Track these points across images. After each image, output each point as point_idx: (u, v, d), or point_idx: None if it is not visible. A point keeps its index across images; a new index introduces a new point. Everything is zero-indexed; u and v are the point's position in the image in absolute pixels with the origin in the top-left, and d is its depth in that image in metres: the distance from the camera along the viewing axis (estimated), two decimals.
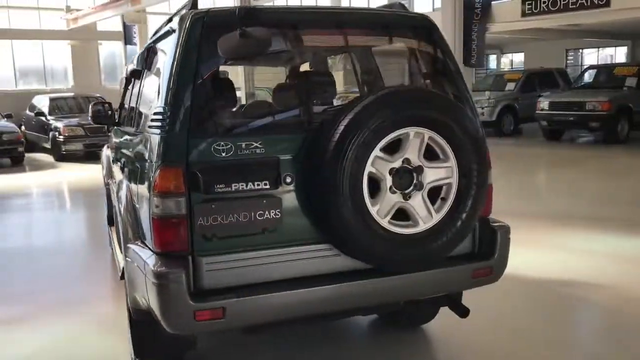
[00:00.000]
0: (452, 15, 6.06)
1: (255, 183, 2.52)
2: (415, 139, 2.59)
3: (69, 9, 19.55)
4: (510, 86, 17.02)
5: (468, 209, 2.70)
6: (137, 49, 19.72)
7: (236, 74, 13.98)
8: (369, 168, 2.52)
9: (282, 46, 2.98)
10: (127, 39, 19.99)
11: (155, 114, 2.66)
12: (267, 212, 2.55)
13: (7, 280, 5.19)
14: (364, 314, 3.54)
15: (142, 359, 3.05)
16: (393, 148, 2.58)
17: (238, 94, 3.44)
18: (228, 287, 2.54)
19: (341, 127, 2.49)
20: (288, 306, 2.59)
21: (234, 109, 3.38)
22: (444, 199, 2.69)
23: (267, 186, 2.54)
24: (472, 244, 2.97)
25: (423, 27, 3.05)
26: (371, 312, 3.45)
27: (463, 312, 3.10)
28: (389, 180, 2.58)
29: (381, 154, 2.54)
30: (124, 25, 19.48)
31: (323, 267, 2.67)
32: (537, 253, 5.38)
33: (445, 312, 3.37)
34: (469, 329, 3.69)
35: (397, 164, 2.59)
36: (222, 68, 3.21)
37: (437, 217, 2.67)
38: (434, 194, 2.69)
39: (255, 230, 2.55)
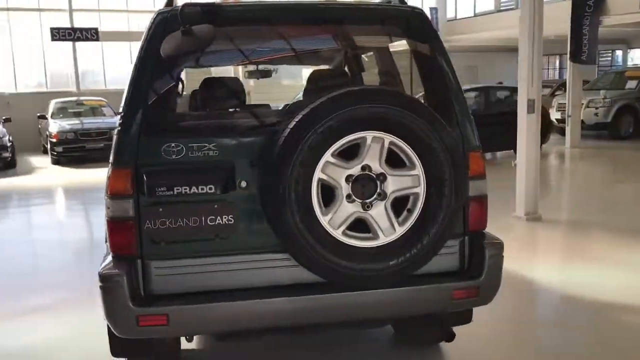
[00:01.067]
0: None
1: (207, 187, 2.42)
2: (375, 144, 2.37)
3: None
4: (631, 84, 15.59)
5: (438, 223, 2.44)
6: None
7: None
8: (318, 174, 2.34)
9: (240, 44, 2.86)
10: None
11: (117, 114, 2.65)
12: (219, 218, 2.45)
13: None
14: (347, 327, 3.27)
15: (118, 357, 3.06)
16: (351, 154, 2.38)
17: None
18: (177, 293, 2.48)
19: (287, 130, 2.33)
20: (236, 317, 2.48)
21: (189, 110, 3.31)
22: (409, 211, 2.44)
23: (220, 190, 2.44)
24: (460, 261, 2.69)
25: (410, 20, 2.79)
26: (345, 326, 3.16)
27: (448, 336, 2.82)
28: (345, 188, 2.38)
29: (333, 160, 2.35)
30: None
31: (282, 277, 2.53)
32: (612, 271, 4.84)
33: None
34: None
35: (355, 170, 2.38)
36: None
37: (400, 230, 2.43)
38: (402, 205, 2.45)
39: (206, 235, 2.46)
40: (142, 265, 2.45)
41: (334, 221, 2.38)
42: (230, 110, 3.07)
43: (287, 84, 14.43)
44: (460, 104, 2.68)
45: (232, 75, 4.80)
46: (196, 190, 2.41)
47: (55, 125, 13.69)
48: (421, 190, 2.42)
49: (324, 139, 2.32)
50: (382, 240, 2.42)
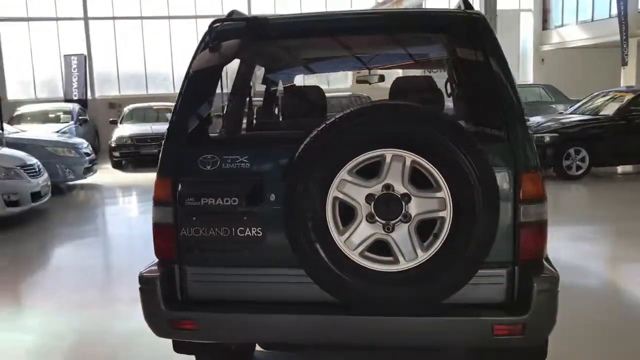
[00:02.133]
0: None
1: (241, 198, 2.44)
2: (396, 163, 2.23)
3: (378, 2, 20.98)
4: None
5: (466, 250, 2.22)
6: None
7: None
8: (334, 192, 2.26)
9: (286, 58, 2.83)
10: None
11: None
12: (247, 229, 2.49)
13: None
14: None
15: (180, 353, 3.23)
16: (372, 172, 2.27)
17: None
18: (211, 300, 2.57)
19: (302, 146, 2.29)
20: (260, 330, 2.50)
21: (227, 123, 3.33)
22: (436, 236, 2.26)
23: (249, 203, 2.46)
24: (508, 294, 2.42)
25: (463, 27, 2.56)
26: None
27: None
28: (365, 208, 2.27)
29: (350, 178, 2.26)
30: None
31: (307, 294, 2.48)
32: None
33: None
34: None
35: (376, 190, 2.26)
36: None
37: (423, 256, 2.26)
38: (430, 229, 2.27)
39: (236, 246, 2.51)
40: (179, 270, 2.58)
41: (350, 241, 2.28)
42: (270, 123, 3.09)
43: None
44: (515, 121, 2.41)
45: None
46: (233, 202, 2.42)
47: (117, 131, 14.47)
48: (447, 214, 2.23)
49: (338, 156, 2.24)
50: (403, 265, 2.27)
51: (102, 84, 21.04)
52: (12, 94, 19.70)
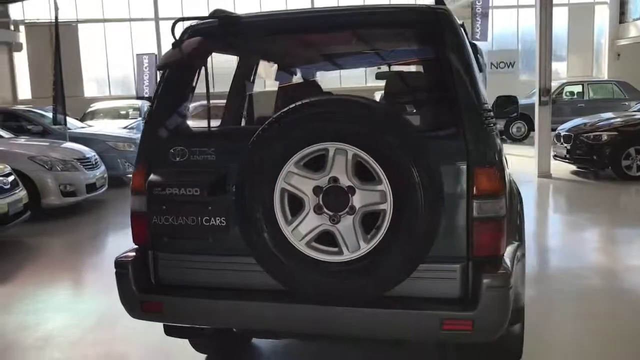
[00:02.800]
0: None
1: (203, 188, 2.56)
2: (340, 156, 2.28)
3: None
4: None
5: (406, 243, 2.24)
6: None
7: None
8: (281, 184, 2.34)
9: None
10: (471, 34, 20.21)
11: None
12: (212, 219, 2.60)
13: None
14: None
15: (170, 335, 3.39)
16: (318, 165, 2.32)
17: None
18: (179, 285, 2.70)
19: (254, 139, 2.38)
20: (218, 315, 2.61)
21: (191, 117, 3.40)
22: (378, 228, 2.29)
23: (214, 193, 2.57)
24: (462, 289, 2.42)
25: (425, 23, 2.56)
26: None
27: None
28: (312, 200, 2.34)
29: (297, 170, 2.33)
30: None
31: (265, 282, 2.56)
32: None
33: None
34: None
35: (323, 182, 2.32)
36: None
37: (365, 248, 2.30)
38: (375, 221, 2.31)
39: (202, 234, 2.63)
40: (152, 256, 2.73)
41: (297, 231, 2.35)
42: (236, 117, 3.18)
43: None
44: (471, 116, 2.40)
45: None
46: (199, 192, 2.54)
47: None
48: (388, 207, 2.26)
49: (284, 149, 2.31)
50: (347, 256, 2.32)
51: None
52: (88, 91, 20.87)
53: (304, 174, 2.33)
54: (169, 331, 3.14)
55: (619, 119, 10.67)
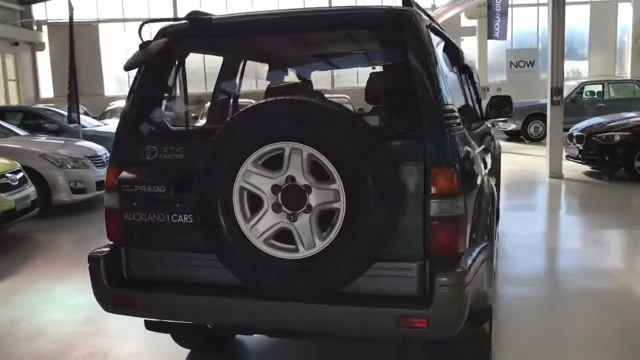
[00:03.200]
0: None
1: (169, 186, 2.62)
2: (295, 156, 2.32)
3: (434, 7, 20.78)
4: None
5: (359, 241, 2.28)
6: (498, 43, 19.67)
7: None
8: (240, 182, 2.39)
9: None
10: (489, 33, 20.04)
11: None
12: (180, 216, 2.67)
13: None
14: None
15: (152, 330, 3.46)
16: (277, 164, 2.37)
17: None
18: (150, 280, 2.77)
19: (214, 139, 2.43)
20: (184, 310, 2.68)
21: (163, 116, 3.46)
22: (332, 226, 2.33)
23: (180, 191, 2.63)
24: (420, 287, 2.44)
25: (387, 24, 2.59)
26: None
27: None
28: (271, 198, 2.39)
29: (255, 169, 2.38)
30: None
31: (229, 277, 2.61)
32: None
33: None
34: None
35: (280, 181, 2.37)
36: None
37: (320, 245, 2.34)
38: (330, 219, 2.35)
39: (170, 231, 2.70)
40: (125, 252, 2.81)
41: (256, 229, 2.40)
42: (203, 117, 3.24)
43: None
44: (429, 117, 2.42)
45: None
46: (168, 190, 2.60)
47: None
48: (341, 205, 2.29)
49: (242, 149, 2.36)
50: (302, 253, 2.36)
51: (191, 81, 22.13)
52: (108, 90, 21.21)
53: (262, 173, 2.38)
54: (150, 326, 3.22)
55: (636, 119, 10.50)
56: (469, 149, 2.80)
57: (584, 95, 17.17)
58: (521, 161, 12.95)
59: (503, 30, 19.89)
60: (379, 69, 2.95)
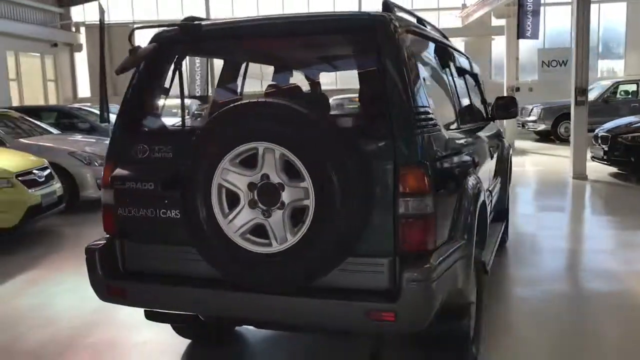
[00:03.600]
0: None
1: (157, 183, 2.78)
2: (269, 155, 2.46)
3: (464, 7, 20.60)
4: None
5: (328, 237, 2.41)
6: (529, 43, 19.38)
7: None
8: (218, 180, 2.54)
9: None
10: (520, 32, 19.77)
11: None
12: (168, 211, 2.83)
13: None
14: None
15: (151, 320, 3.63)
16: (252, 163, 2.51)
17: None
18: (142, 271, 2.94)
19: (194, 139, 2.59)
20: (169, 300, 2.85)
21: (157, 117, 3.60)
22: (303, 222, 2.45)
23: (168, 187, 2.78)
24: (390, 282, 2.54)
25: (361, 30, 2.69)
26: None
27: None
28: (247, 195, 2.53)
29: (232, 167, 2.52)
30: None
31: (211, 270, 2.74)
32: None
33: None
34: None
35: (256, 179, 2.51)
36: None
37: (291, 240, 2.47)
38: (302, 216, 2.47)
39: (160, 226, 2.86)
40: (119, 244, 2.98)
41: (233, 224, 2.55)
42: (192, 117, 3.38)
43: None
44: (399, 119, 2.52)
45: None
46: (156, 186, 2.77)
47: None
48: (311, 202, 2.42)
49: (219, 148, 2.51)
50: (275, 247, 2.50)
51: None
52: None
53: (239, 171, 2.53)
54: (149, 315, 3.39)
55: None
56: (446, 149, 2.88)
57: (617, 95, 16.84)
58: (546, 162, 12.81)
59: (535, 30, 19.61)
60: (355, 72, 3.06)
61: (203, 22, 2.95)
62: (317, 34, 2.85)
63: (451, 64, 3.70)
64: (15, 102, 18.08)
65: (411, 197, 2.49)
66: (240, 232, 2.55)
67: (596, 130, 10.61)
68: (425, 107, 2.70)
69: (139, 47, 2.89)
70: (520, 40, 19.61)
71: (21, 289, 5.15)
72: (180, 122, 3.15)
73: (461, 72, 4.16)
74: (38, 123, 10.26)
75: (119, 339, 4.04)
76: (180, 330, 3.75)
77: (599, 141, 10.20)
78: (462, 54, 4.60)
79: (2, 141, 8.55)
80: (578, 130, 10.29)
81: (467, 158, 3.30)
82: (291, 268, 2.49)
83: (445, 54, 3.62)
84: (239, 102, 2.58)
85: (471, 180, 3.17)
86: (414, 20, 3.30)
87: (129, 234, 2.95)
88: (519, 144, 15.77)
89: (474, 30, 21.27)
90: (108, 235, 3.03)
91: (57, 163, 7.92)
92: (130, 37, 2.86)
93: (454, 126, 3.33)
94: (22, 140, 8.88)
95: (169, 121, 3.50)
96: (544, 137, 16.83)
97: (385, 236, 2.52)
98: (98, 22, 19.34)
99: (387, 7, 2.87)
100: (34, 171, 6.88)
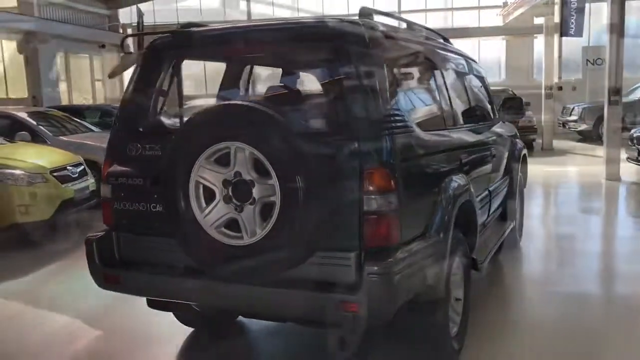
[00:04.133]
0: None
1: (146, 179, 3.02)
2: (240, 154, 2.63)
3: (505, 5, 20.27)
4: None
5: (293, 232, 2.57)
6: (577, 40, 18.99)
7: None
8: (195, 177, 2.72)
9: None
10: (564, 30, 19.34)
11: None
12: (158, 205, 3.04)
13: None
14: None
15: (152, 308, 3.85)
16: (227, 161, 2.69)
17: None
18: (135, 261, 3.16)
19: (173, 138, 2.79)
20: (154, 288, 3.07)
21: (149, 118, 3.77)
22: (271, 217, 2.61)
23: (154, 183, 2.99)
24: (357, 276, 2.67)
25: (335, 37, 2.83)
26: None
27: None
28: (222, 191, 2.71)
29: (207, 165, 2.70)
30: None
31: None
32: None
33: None
34: None
35: (229, 176, 2.68)
36: None
37: (260, 234, 2.63)
38: (270, 210, 2.64)
39: (150, 218, 3.07)
40: (115, 236, 3.21)
41: (209, 218, 2.73)
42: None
43: None
44: (365, 121, 2.66)
45: None
46: (147, 182, 3.02)
47: None
48: (277, 199, 2.57)
49: (195, 147, 2.70)
50: (246, 240, 2.67)
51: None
52: (187, 90, 22.27)
53: (214, 168, 2.71)
54: (151, 304, 3.62)
55: None
56: (420, 150, 2.99)
57: None
58: (582, 162, 12.58)
59: (579, 28, 19.17)
60: (328, 76, 3.20)
61: (194, 29, 3.15)
62: (292, 40, 3.01)
63: (440, 66, 3.78)
64: (64, 102, 18.87)
65: (375, 195, 2.62)
66: (216, 225, 2.73)
67: (632, 131, 10.38)
68: (395, 109, 2.82)
69: (130, 53, 3.12)
70: (564, 38, 19.22)
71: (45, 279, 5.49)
72: (171, 122, 3.35)
73: (456, 73, 4.22)
74: (81, 122, 10.75)
75: (128, 326, 4.29)
76: (181, 319, 3.97)
77: (635, 141, 9.97)
78: (462, 55, 4.65)
79: (43, 139, 9.03)
80: (611, 131, 10.09)
81: (449, 158, 3.39)
82: (259, 260, 2.65)
83: (433, 56, 3.71)
84: (212, 105, 2.77)
85: (453, 180, 3.26)
86: (403, 24, 3.43)
87: (123, 225, 3.17)
88: (557, 144, 15.50)
89: (515, 29, 20.93)
90: (106, 227, 3.26)
91: (93, 159, 8.31)
92: (122, 44, 3.09)
93: (436, 127, 3.42)
94: (62, 137, 9.35)
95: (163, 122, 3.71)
96: (586, 137, 16.46)
97: (351, 232, 2.65)
98: (145, 24, 20.03)
99: (364, 13, 3.01)
100: (68, 167, 7.27)
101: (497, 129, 4.96)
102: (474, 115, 4.39)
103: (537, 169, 9.97)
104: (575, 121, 16.64)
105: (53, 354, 3.92)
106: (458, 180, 3.32)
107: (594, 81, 18.31)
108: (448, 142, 3.50)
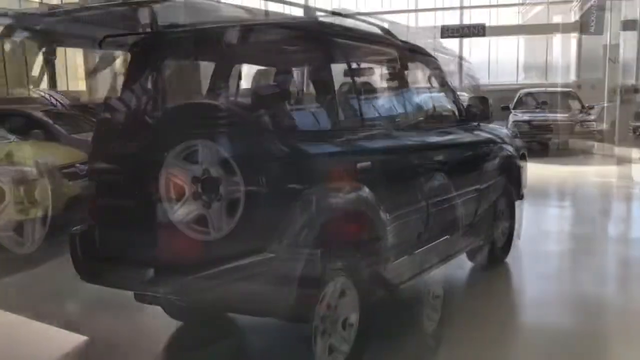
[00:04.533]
0: None
1: (126, 176, 3.11)
2: (207, 151, 2.70)
3: (523, 2, 20.09)
4: None
5: (250, 227, 2.64)
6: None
7: None
8: (165, 174, 2.80)
9: None
10: (583, 28, 19.07)
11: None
12: (131, 201, 3.12)
13: None
14: None
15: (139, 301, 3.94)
16: (195, 158, 2.77)
17: None
18: (115, 255, 3.25)
19: (145, 136, 2.88)
20: (122, 280, 3.14)
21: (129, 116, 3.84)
22: (236, 213, 2.69)
23: (133, 180, 3.08)
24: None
25: (293, 36, 2.90)
26: None
27: None
28: (192, 187, 2.78)
29: (177, 162, 2.78)
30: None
31: None
32: None
33: None
34: None
35: (199, 173, 2.76)
36: None
37: (226, 230, 2.70)
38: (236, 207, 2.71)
39: (125, 214, 3.15)
40: (98, 230, 3.31)
41: (180, 214, 2.81)
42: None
43: None
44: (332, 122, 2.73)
45: None
46: (117, 178, 3.13)
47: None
48: (242, 195, 2.65)
49: (165, 145, 2.78)
50: (213, 235, 2.74)
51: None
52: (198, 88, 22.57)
53: (184, 165, 2.79)
54: (138, 297, 3.72)
55: None
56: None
57: None
58: (593, 162, 12.42)
59: (599, 25, 18.93)
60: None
61: (174, 30, 3.24)
62: (260, 39, 3.09)
63: (391, 68, 3.84)
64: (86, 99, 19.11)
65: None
66: (185, 221, 2.81)
67: None
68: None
69: (109, 53, 3.22)
70: (583, 37, 19.00)
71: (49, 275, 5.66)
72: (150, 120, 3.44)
73: (412, 75, 4.22)
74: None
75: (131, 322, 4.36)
76: (169, 312, 4.05)
77: None
78: (430, 57, 4.59)
79: (56, 137, 9.22)
80: (622, 130, 9.95)
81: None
82: (228, 255, 2.73)
83: (401, 59, 3.75)
84: (180, 103, 2.85)
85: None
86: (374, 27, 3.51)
87: (103, 220, 3.27)
88: (573, 143, 15.28)
89: (534, 27, 20.70)
90: (89, 222, 3.37)
91: None
92: (101, 44, 3.18)
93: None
94: (74, 136, 9.53)
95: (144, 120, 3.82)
96: (605, 137, 16.19)
97: None
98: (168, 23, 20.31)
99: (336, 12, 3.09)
100: (76, 165, 7.43)
101: (460, 131, 4.76)
102: (431, 116, 4.39)
103: (546, 169, 9.87)
104: (594, 121, 16.42)
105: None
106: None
107: (614, 80, 18.05)
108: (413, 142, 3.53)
